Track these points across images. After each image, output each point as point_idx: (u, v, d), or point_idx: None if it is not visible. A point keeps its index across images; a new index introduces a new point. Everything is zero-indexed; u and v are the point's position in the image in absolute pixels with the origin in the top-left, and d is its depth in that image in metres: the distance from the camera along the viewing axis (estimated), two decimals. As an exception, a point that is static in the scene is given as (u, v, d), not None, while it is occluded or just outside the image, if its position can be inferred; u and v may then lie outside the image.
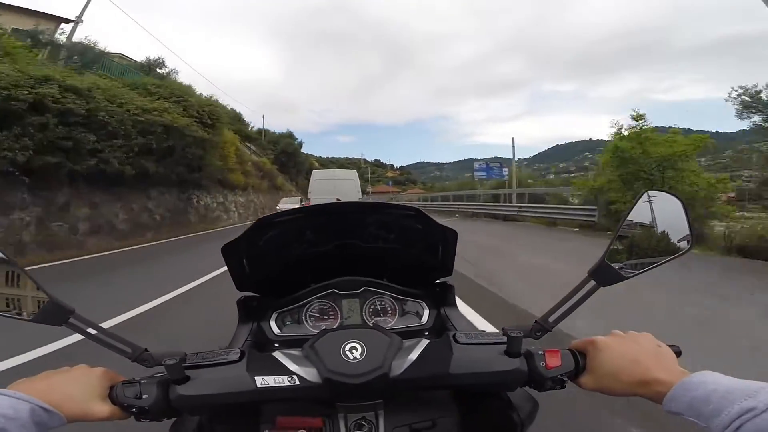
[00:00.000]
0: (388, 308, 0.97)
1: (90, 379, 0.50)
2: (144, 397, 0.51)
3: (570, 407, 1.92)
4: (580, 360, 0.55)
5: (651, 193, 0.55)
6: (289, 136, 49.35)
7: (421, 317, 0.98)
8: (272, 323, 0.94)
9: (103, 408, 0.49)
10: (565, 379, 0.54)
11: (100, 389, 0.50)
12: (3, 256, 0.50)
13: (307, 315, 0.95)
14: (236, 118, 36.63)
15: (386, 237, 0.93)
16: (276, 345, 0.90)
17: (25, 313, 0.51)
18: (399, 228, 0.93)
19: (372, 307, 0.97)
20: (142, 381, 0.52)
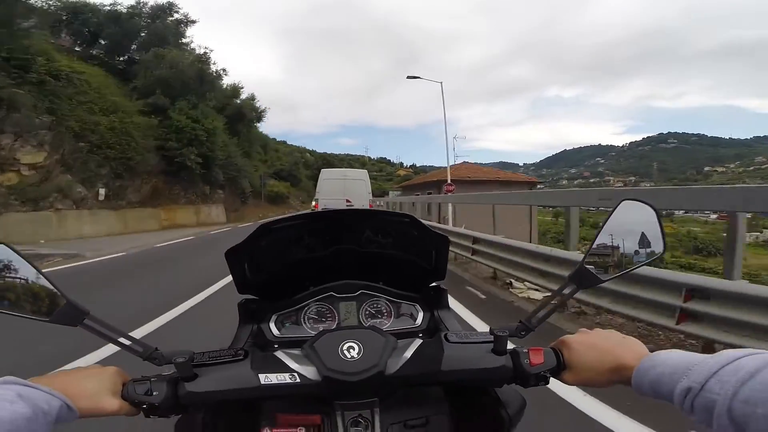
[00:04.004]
0: (384, 311, 1.00)
1: (104, 376, 0.52)
2: (154, 394, 0.53)
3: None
4: (561, 357, 0.58)
5: (628, 202, 0.57)
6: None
7: (415, 319, 1.00)
8: (272, 325, 0.96)
9: (114, 403, 0.51)
10: (548, 375, 0.58)
11: (112, 386, 0.52)
12: (20, 257, 0.52)
13: (306, 317, 0.98)
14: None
15: (382, 242, 0.96)
16: (276, 346, 0.93)
17: (42, 314, 0.53)
18: (395, 234, 0.96)
19: (368, 309, 0.99)
20: (152, 379, 0.55)
